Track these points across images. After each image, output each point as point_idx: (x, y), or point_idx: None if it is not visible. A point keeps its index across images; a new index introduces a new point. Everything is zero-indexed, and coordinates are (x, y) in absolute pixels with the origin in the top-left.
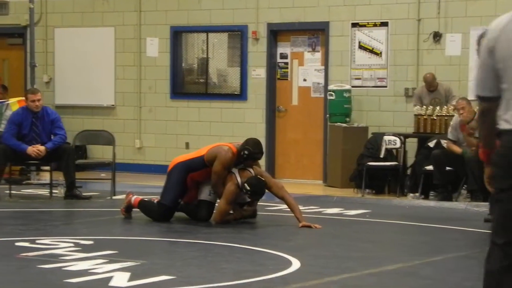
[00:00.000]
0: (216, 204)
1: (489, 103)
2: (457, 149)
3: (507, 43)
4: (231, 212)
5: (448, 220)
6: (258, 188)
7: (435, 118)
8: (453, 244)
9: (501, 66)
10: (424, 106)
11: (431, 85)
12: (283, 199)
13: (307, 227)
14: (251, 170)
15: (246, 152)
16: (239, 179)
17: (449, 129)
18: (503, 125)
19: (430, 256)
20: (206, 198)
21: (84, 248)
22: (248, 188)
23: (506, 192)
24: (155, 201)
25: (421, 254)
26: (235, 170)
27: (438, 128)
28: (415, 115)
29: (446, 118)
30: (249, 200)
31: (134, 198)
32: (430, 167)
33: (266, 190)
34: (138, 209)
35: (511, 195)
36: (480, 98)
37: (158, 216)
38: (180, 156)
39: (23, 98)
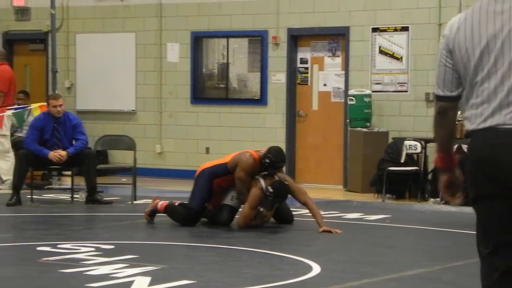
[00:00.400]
0: (240, 209)
1: (448, 103)
2: None
3: (466, 38)
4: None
5: (469, 225)
6: (281, 190)
7: (456, 123)
8: (474, 249)
9: (461, 65)
10: None
11: None
12: (305, 204)
13: (327, 232)
14: (276, 177)
15: (267, 160)
16: (263, 184)
17: None
18: (467, 126)
19: (451, 261)
20: (228, 203)
21: (105, 253)
22: (271, 190)
23: (482, 201)
24: (177, 203)
25: (442, 259)
26: (259, 176)
27: (459, 133)
28: None
29: None
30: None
31: (161, 203)
32: None
33: (289, 195)
34: (164, 214)
35: (487, 204)
36: (439, 98)
37: (184, 219)
38: (207, 162)
39: (45, 103)
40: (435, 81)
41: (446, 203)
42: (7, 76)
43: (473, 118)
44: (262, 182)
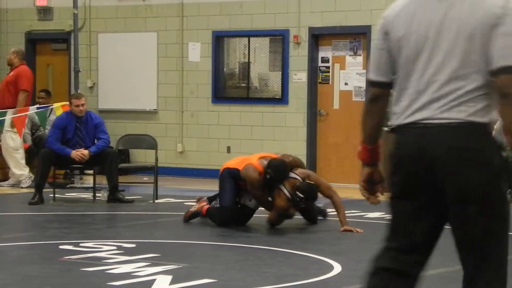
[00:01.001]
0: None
1: (382, 89)
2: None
3: (404, 24)
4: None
5: None
6: (311, 193)
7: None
8: None
9: (396, 50)
10: None
11: None
12: (330, 199)
13: (348, 231)
14: (296, 176)
15: (268, 176)
16: (287, 192)
17: (493, 133)
18: (393, 119)
19: None
20: (246, 203)
21: (127, 251)
22: (301, 195)
23: (400, 199)
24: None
25: None
26: (280, 185)
27: None
28: None
29: None
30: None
31: (205, 207)
32: None
33: None
34: (206, 217)
35: (401, 203)
36: (372, 83)
37: (220, 218)
38: (229, 161)
39: (67, 103)
40: (370, 66)
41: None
42: (30, 76)
43: (401, 110)
44: (286, 190)
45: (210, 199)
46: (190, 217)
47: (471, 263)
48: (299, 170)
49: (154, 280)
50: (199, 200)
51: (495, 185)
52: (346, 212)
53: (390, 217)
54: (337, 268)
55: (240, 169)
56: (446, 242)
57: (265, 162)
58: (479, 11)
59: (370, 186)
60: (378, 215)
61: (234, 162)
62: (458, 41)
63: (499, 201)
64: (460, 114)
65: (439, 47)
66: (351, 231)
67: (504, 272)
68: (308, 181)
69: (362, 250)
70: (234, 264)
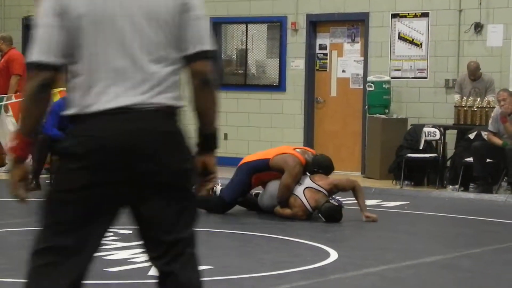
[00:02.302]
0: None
1: (53, 73)
2: (497, 141)
3: (83, 2)
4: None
5: (488, 212)
6: (334, 217)
7: (475, 109)
8: (492, 236)
9: (75, 30)
10: (464, 98)
11: (473, 74)
12: (353, 189)
13: (368, 218)
14: (319, 187)
15: (315, 169)
16: (307, 204)
17: (490, 121)
18: (87, 109)
19: (469, 249)
20: (261, 204)
21: (124, 238)
22: (324, 219)
23: (76, 193)
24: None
25: (460, 246)
26: (300, 192)
27: (479, 119)
28: (455, 106)
29: (486, 109)
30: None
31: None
32: (470, 159)
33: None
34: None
35: (82, 196)
36: (42, 66)
37: (214, 207)
38: (250, 155)
39: (64, 89)
40: (35, 46)
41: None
42: (21, 60)
43: (95, 95)
44: (305, 200)
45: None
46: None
47: (165, 246)
48: (323, 181)
49: (150, 267)
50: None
51: (190, 169)
52: (343, 199)
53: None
54: (333, 255)
55: (270, 158)
56: (441, 230)
57: (305, 156)
58: None
59: (24, 184)
60: (375, 202)
61: (257, 155)
62: (151, 25)
63: (191, 186)
64: (159, 98)
65: (133, 30)
66: (369, 217)
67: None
68: (333, 204)
69: (357, 237)
70: (230, 250)
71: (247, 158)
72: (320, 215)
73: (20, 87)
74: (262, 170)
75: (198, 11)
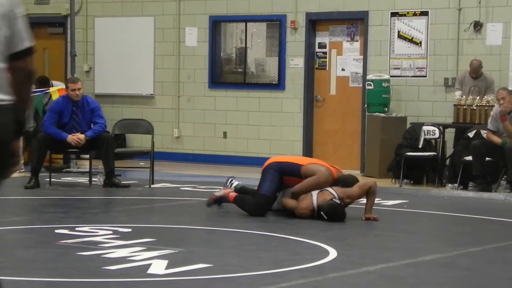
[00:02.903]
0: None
1: None
2: (497, 139)
3: None
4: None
5: (487, 211)
6: (334, 217)
7: (474, 108)
8: (491, 235)
9: None
10: (464, 96)
11: (476, 72)
12: (368, 191)
13: (368, 219)
14: (333, 191)
15: (340, 185)
16: (315, 202)
17: (489, 119)
18: None
19: (468, 247)
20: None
21: (123, 236)
22: (325, 217)
23: None
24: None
25: (459, 245)
26: (314, 193)
27: (478, 118)
28: (454, 105)
29: (486, 108)
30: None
31: (232, 194)
32: (469, 158)
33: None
34: (234, 204)
35: None
36: None
37: (255, 206)
38: (276, 157)
39: (63, 87)
40: None
41: None
42: None
43: None
44: (315, 198)
45: (241, 191)
46: (215, 201)
47: None
48: (340, 189)
49: (150, 265)
50: (227, 183)
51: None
52: None
53: None
54: (332, 253)
55: (301, 165)
56: (440, 228)
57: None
58: None
59: None
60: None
61: (285, 158)
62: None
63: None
64: None
65: None
66: (369, 219)
67: None
68: (335, 202)
69: (356, 235)
70: (229, 249)
71: (275, 159)
72: (322, 213)
73: None
74: (291, 175)
75: (19, 9)
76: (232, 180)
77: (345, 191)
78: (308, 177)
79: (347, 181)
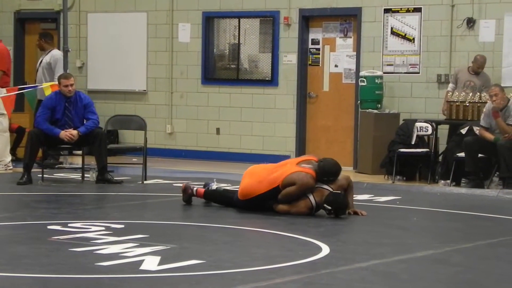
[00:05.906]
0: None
1: None
2: (489, 136)
3: None
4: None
5: (479, 207)
6: (338, 204)
7: (467, 104)
8: (484, 231)
9: None
10: (456, 93)
11: (480, 67)
12: (348, 185)
13: (354, 213)
14: (326, 187)
15: (325, 178)
16: (313, 201)
17: (482, 116)
18: None
19: (460, 243)
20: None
21: (115, 232)
22: (329, 207)
23: None
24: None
25: (452, 241)
26: (309, 193)
27: (471, 114)
28: (447, 101)
29: (478, 105)
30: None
31: (196, 189)
32: (462, 154)
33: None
34: (204, 198)
35: None
36: None
37: (228, 203)
38: (252, 175)
39: (56, 82)
40: None
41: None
42: (4, 54)
43: None
44: (312, 198)
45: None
46: (189, 196)
47: None
48: (332, 185)
49: (142, 261)
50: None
51: None
52: None
53: None
54: (325, 249)
55: (278, 185)
56: (433, 224)
57: (310, 166)
58: None
59: None
60: (367, 197)
61: (262, 181)
62: None
63: None
64: None
65: None
66: (356, 213)
67: None
68: (335, 192)
69: (349, 231)
70: (222, 245)
71: (252, 186)
72: (325, 205)
73: (3, 81)
74: (270, 197)
75: None
76: (212, 184)
77: (336, 184)
78: (287, 185)
79: (330, 172)
